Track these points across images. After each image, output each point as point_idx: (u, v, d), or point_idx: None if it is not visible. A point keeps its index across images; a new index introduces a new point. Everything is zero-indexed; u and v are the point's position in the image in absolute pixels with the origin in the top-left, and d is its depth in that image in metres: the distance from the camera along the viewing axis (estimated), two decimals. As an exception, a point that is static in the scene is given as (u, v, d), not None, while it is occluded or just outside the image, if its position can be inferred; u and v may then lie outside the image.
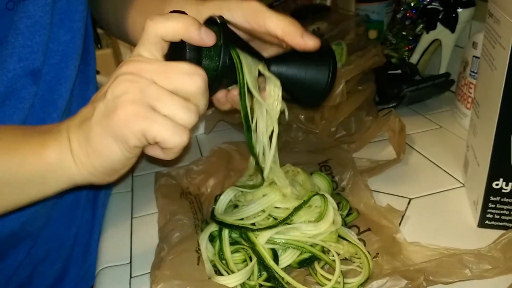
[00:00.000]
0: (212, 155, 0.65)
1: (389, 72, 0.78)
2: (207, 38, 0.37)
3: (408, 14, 0.85)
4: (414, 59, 0.83)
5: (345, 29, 0.75)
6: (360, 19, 0.80)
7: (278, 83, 0.43)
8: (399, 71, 0.79)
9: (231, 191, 0.50)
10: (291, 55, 0.44)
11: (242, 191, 0.50)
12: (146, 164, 0.70)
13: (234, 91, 0.44)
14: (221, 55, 0.38)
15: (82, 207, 0.62)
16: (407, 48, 0.86)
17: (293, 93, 0.45)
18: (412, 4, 0.84)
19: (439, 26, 0.78)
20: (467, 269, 0.40)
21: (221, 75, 0.39)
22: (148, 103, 0.34)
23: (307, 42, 0.41)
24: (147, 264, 0.47)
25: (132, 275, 0.48)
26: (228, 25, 0.40)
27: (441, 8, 0.77)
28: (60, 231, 0.60)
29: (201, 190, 0.59)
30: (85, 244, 0.64)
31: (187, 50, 0.37)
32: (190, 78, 0.35)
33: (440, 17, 0.77)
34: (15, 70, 0.46)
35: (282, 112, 0.45)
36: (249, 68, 0.41)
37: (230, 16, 0.42)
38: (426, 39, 0.81)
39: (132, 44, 0.58)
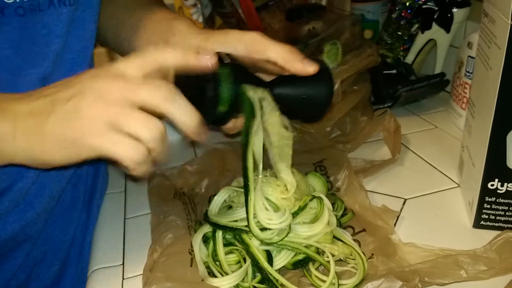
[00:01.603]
0: (206, 155, 0.65)
1: (384, 72, 0.78)
2: (204, 62, 0.40)
3: (403, 14, 0.85)
4: (409, 59, 0.83)
5: (340, 29, 0.75)
6: (355, 18, 0.80)
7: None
8: (394, 71, 0.79)
9: (225, 192, 0.49)
10: (290, 76, 0.46)
11: (236, 192, 0.49)
12: (140, 164, 0.69)
13: (242, 118, 0.46)
14: (231, 92, 0.43)
15: (79, 209, 0.62)
16: (402, 48, 0.86)
17: (295, 111, 0.48)
18: (407, 4, 0.84)
19: (434, 26, 0.78)
20: (463, 270, 0.40)
21: (232, 108, 0.43)
22: (109, 121, 0.35)
23: (307, 67, 0.44)
24: (140, 265, 0.46)
25: (125, 277, 0.48)
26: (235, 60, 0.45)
27: (436, 8, 0.77)
28: (57, 233, 0.60)
29: (195, 190, 0.59)
30: (80, 246, 0.63)
31: (206, 85, 0.41)
32: (155, 89, 0.36)
33: (435, 17, 0.77)
34: (27, 76, 0.47)
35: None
36: (253, 99, 0.44)
37: (233, 48, 0.45)
38: (421, 39, 0.81)
39: None
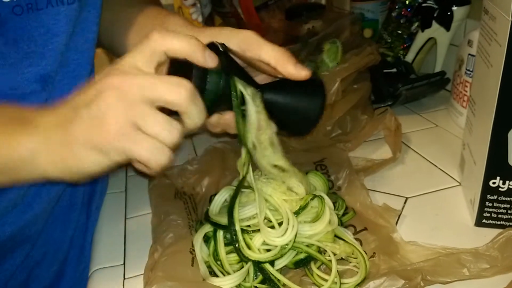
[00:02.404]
0: (207, 154, 0.64)
1: (385, 70, 0.78)
2: (210, 61, 0.39)
3: (403, 13, 0.85)
4: (409, 57, 0.83)
5: (340, 28, 0.75)
6: (355, 17, 0.80)
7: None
8: (394, 70, 0.79)
9: (226, 191, 0.49)
10: (284, 84, 0.45)
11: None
12: (140, 164, 0.69)
13: (227, 115, 0.45)
14: (221, 81, 0.40)
15: (78, 210, 0.62)
16: (402, 47, 0.86)
17: (283, 121, 0.46)
18: (407, 3, 0.84)
19: (434, 25, 0.78)
20: (465, 268, 0.40)
21: (220, 99, 0.41)
22: (133, 121, 0.35)
23: (299, 71, 0.43)
24: (141, 265, 0.46)
25: (126, 277, 0.48)
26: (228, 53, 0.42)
27: (436, 6, 0.77)
28: (57, 234, 0.60)
29: (195, 189, 0.59)
30: (80, 246, 0.63)
31: (194, 72, 0.38)
32: (174, 89, 0.36)
33: (435, 15, 0.77)
34: (24, 74, 0.47)
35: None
36: (243, 91, 0.42)
37: (226, 44, 0.43)
38: (421, 37, 0.81)
39: None
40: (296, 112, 0.45)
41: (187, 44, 0.37)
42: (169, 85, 0.36)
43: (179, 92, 0.36)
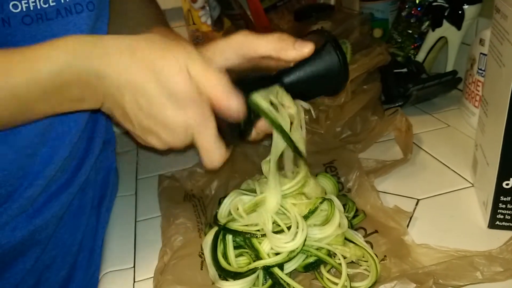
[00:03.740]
0: (216, 157, 0.64)
1: (395, 70, 0.77)
2: (235, 113, 0.39)
3: (413, 12, 0.84)
4: (420, 57, 0.82)
5: (350, 28, 0.75)
6: (364, 17, 0.79)
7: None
8: (405, 70, 0.78)
9: (235, 195, 0.49)
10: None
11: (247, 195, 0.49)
12: (150, 167, 0.69)
13: (260, 123, 0.45)
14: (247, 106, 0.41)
15: (88, 213, 0.62)
16: (412, 46, 0.85)
17: (314, 91, 0.46)
18: (417, 2, 0.83)
19: (445, 24, 0.77)
20: (478, 271, 0.39)
21: (250, 123, 0.43)
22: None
23: (301, 50, 0.42)
24: (151, 268, 0.46)
25: (136, 280, 0.48)
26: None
27: (447, 5, 0.76)
28: (66, 237, 0.60)
29: (205, 192, 0.59)
30: (89, 249, 0.64)
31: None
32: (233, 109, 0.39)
33: (446, 14, 0.76)
34: None
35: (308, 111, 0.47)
36: (267, 105, 0.42)
37: (224, 59, 0.43)
38: (432, 37, 0.80)
39: None
40: (322, 78, 0.44)
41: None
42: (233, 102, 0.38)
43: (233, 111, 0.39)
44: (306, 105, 0.46)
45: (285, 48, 0.41)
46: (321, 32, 0.44)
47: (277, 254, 0.43)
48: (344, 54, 0.44)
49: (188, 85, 0.37)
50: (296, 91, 0.44)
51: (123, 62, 0.37)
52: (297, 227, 0.42)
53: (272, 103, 0.42)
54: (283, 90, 0.43)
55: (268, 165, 0.45)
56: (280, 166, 0.46)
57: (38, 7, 0.44)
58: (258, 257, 0.43)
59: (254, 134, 0.45)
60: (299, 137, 0.44)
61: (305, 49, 0.42)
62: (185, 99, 0.37)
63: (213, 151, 0.40)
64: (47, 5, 0.44)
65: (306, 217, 0.44)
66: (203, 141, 0.39)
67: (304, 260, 0.44)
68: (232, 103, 0.38)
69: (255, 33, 0.43)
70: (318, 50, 0.43)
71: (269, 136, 0.46)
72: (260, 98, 0.42)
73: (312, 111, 0.47)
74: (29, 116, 0.42)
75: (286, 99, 0.43)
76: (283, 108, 0.43)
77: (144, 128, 0.39)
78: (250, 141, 0.46)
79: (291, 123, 0.44)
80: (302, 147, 0.45)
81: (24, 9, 0.43)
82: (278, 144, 0.44)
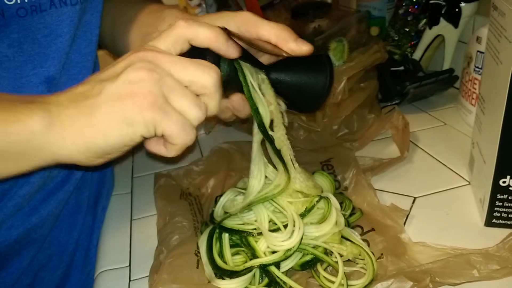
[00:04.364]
0: (212, 155, 0.64)
1: (392, 68, 0.77)
2: (232, 50, 0.39)
3: (410, 10, 0.84)
4: (417, 55, 0.82)
5: (346, 26, 0.74)
6: (361, 15, 0.79)
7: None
8: (401, 68, 0.78)
9: (231, 193, 0.49)
10: (289, 62, 0.45)
11: (243, 193, 0.49)
12: (146, 165, 0.69)
13: (234, 97, 0.44)
14: (230, 67, 0.40)
15: (84, 212, 0.62)
16: (409, 44, 0.84)
17: (292, 99, 0.46)
18: (414, 0, 0.83)
19: (442, 21, 0.77)
20: (475, 269, 0.39)
21: (229, 85, 0.40)
22: (164, 94, 0.34)
23: (301, 47, 0.42)
24: (146, 267, 0.46)
25: (131, 279, 0.47)
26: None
27: (443, 3, 0.76)
28: (62, 236, 0.60)
29: (201, 190, 0.58)
30: (85, 248, 0.63)
31: (208, 57, 0.38)
32: (206, 71, 0.36)
33: (443, 12, 0.76)
34: (28, 77, 0.47)
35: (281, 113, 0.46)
36: (251, 76, 0.42)
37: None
38: (429, 34, 0.80)
39: None
40: (304, 89, 0.44)
41: (212, 33, 0.37)
42: (201, 67, 0.36)
43: (209, 76, 0.36)
44: (282, 106, 0.46)
45: (286, 39, 0.42)
46: (319, 48, 0.44)
47: (273, 252, 0.43)
48: (333, 72, 0.44)
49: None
50: (276, 89, 0.44)
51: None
52: (294, 226, 0.42)
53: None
54: (268, 82, 0.44)
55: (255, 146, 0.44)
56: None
57: None
58: (254, 255, 0.43)
59: (223, 104, 0.44)
60: (282, 136, 0.44)
61: (304, 47, 0.42)
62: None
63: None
64: None
65: (302, 215, 0.44)
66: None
67: (300, 259, 0.43)
68: (229, 45, 0.38)
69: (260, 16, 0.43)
70: (313, 57, 0.43)
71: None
72: (246, 67, 0.42)
73: (286, 116, 0.46)
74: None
75: (269, 91, 0.43)
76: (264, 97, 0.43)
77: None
78: (219, 115, 0.46)
79: (271, 121, 0.44)
80: (282, 145, 0.44)
81: (19, 2, 0.43)
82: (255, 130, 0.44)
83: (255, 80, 0.42)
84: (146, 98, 0.33)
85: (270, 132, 0.44)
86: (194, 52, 0.39)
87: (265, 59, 0.47)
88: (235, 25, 0.43)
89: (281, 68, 0.44)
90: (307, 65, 0.44)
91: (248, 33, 0.43)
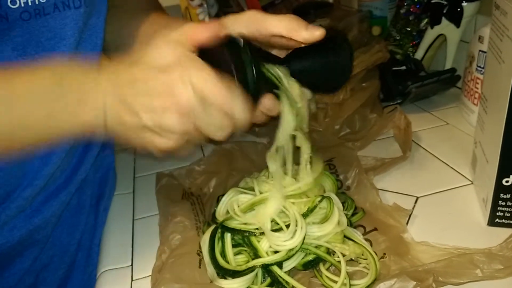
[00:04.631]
0: (214, 155, 0.64)
1: (394, 68, 0.76)
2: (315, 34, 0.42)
3: (412, 9, 0.84)
4: (419, 55, 0.82)
5: (348, 26, 0.74)
6: (363, 15, 0.79)
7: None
8: (403, 67, 0.78)
9: (233, 193, 0.49)
10: (306, 49, 0.44)
11: (245, 193, 0.49)
12: (148, 165, 0.69)
13: (265, 100, 0.44)
14: (254, 70, 0.40)
15: (86, 212, 0.62)
16: (411, 44, 0.84)
17: (316, 83, 0.46)
18: (416, -1, 0.83)
19: (444, 21, 0.77)
20: (478, 269, 0.39)
21: (258, 92, 0.41)
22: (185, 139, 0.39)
23: (313, 32, 0.42)
24: (148, 266, 0.46)
25: (134, 278, 0.47)
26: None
27: (445, 3, 0.76)
28: (65, 237, 0.60)
29: (203, 190, 0.58)
30: (87, 248, 0.63)
31: (233, 66, 0.39)
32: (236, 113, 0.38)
33: (444, 11, 0.76)
34: None
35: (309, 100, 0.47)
36: (277, 76, 0.43)
37: (233, 31, 0.43)
38: (430, 34, 0.80)
39: None
40: (326, 71, 0.45)
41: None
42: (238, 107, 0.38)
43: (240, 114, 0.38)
44: (308, 94, 0.46)
45: (296, 29, 0.42)
46: (331, 28, 0.44)
47: (275, 252, 0.43)
48: (352, 50, 0.44)
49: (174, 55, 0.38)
50: (300, 78, 0.44)
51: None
52: (296, 225, 0.42)
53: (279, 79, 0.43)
54: (289, 73, 0.44)
55: (274, 163, 0.45)
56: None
57: (36, 2, 0.44)
58: (256, 255, 0.43)
59: (258, 112, 0.45)
60: (303, 135, 0.45)
61: (317, 32, 0.42)
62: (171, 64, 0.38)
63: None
64: (44, 0, 0.44)
65: (305, 215, 0.44)
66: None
67: (303, 258, 0.43)
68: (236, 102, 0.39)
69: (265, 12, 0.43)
70: (330, 39, 0.43)
71: (269, 124, 0.46)
72: (272, 67, 0.42)
73: (313, 103, 0.47)
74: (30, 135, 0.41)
75: (293, 83, 0.44)
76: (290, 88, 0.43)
77: (154, 109, 0.38)
78: (252, 122, 0.46)
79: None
80: (303, 143, 0.45)
81: (23, 5, 0.43)
82: (287, 122, 0.44)
83: (283, 78, 0.43)
84: (168, 145, 0.39)
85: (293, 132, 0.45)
86: (205, 55, 0.39)
87: (276, 52, 0.47)
88: (243, 27, 0.43)
89: (299, 57, 0.44)
90: (324, 47, 0.44)
91: (259, 32, 0.42)
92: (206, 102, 0.37)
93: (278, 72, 0.43)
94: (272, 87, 0.43)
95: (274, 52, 0.47)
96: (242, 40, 0.41)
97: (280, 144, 0.45)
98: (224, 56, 0.39)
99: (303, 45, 0.44)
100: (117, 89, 0.38)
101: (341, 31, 0.46)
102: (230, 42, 0.40)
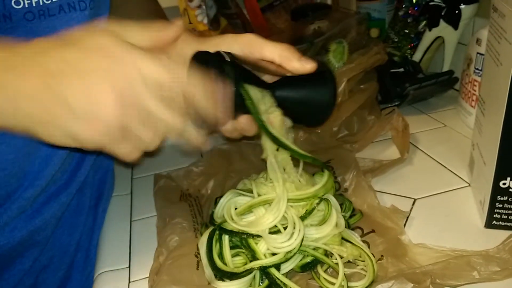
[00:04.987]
0: (212, 156, 0.64)
1: (392, 70, 0.77)
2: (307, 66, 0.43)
3: (410, 12, 0.84)
4: (416, 57, 0.82)
5: (346, 28, 0.74)
6: (361, 17, 0.79)
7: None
8: (401, 69, 0.78)
9: (231, 195, 0.49)
10: (293, 79, 0.45)
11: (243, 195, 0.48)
12: (146, 166, 0.69)
13: (242, 119, 0.45)
14: (234, 91, 0.41)
15: (85, 214, 0.62)
16: (409, 46, 0.85)
17: (297, 115, 0.47)
18: (414, 1, 0.83)
19: (442, 23, 0.77)
20: (475, 271, 0.39)
21: (234, 107, 0.41)
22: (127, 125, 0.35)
23: (305, 65, 0.43)
24: (146, 268, 0.46)
25: (131, 280, 0.47)
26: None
27: (443, 5, 0.76)
28: (64, 238, 0.60)
29: (201, 191, 0.58)
30: (86, 249, 0.63)
31: None
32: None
33: (442, 14, 0.76)
34: None
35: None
36: (256, 100, 0.43)
37: (228, 50, 0.43)
38: (428, 36, 0.80)
39: None
40: (309, 105, 0.45)
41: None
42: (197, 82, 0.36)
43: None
44: (288, 122, 0.46)
45: (290, 58, 0.43)
46: (321, 63, 0.46)
47: (273, 254, 0.43)
48: (337, 87, 0.46)
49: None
50: (282, 106, 0.45)
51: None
52: (294, 228, 0.42)
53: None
54: (272, 98, 0.44)
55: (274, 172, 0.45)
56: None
57: (41, 3, 0.44)
58: (254, 257, 0.43)
59: (230, 126, 0.45)
60: (287, 158, 0.46)
61: (308, 65, 0.43)
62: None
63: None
64: (49, 1, 0.44)
65: (303, 218, 0.44)
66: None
67: (301, 260, 0.43)
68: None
69: (269, 37, 0.44)
70: (318, 74, 0.44)
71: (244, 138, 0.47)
72: (251, 88, 0.42)
73: (292, 132, 0.47)
74: None
75: (275, 110, 0.44)
76: (269, 115, 0.44)
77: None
78: (225, 135, 0.47)
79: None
80: (286, 164, 0.46)
81: (27, 6, 0.43)
82: (265, 142, 0.45)
83: (261, 102, 0.43)
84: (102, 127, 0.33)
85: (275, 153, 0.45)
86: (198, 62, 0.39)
87: (267, 78, 0.47)
88: (239, 47, 0.44)
89: (285, 86, 0.45)
90: (311, 81, 0.45)
91: (252, 55, 0.44)
92: (156, 82, 0.34)
93: (258, 95, 0.43)
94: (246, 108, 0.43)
95: (264, 78, 0.48)
96: (228, 56, 0.42)
97: (270, 159, 0.46)
98: (207, 65, 0.40)
99: (290, 75, 0.45)
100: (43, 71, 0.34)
101: (329, 68, 0.47)
102: (216, 55, 0.41)
